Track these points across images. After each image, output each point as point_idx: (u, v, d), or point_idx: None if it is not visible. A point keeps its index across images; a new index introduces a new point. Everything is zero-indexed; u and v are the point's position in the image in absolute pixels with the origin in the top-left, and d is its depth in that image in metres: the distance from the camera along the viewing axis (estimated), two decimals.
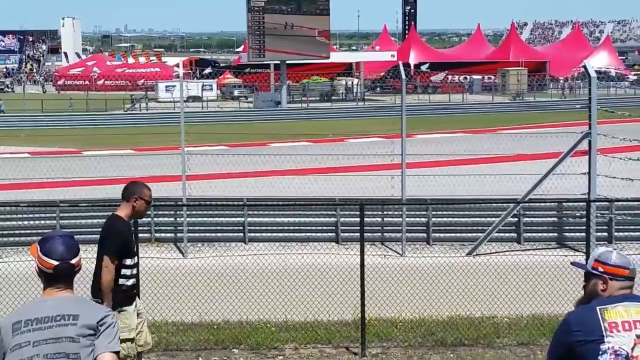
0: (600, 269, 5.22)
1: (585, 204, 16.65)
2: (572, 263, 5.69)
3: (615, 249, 5.65)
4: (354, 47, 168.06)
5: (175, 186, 20.48)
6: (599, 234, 18.59)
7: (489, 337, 11.97)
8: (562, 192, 19.03)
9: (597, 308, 5.06)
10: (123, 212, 8.47)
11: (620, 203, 19.09)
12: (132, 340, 8.35)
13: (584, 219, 16.22)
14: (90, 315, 4.70)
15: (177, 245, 19.27)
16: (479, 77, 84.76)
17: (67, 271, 4.80)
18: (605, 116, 22.21)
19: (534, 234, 19.55)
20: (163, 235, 19.65)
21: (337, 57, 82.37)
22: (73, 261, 4.82)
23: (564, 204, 19.31)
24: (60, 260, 4.79)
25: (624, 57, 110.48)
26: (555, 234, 19.57)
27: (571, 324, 5.05)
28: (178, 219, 19.48)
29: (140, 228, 13.29)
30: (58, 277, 4.82)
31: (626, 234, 19.45)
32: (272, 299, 14.02)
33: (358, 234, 12.13)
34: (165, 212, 19.77)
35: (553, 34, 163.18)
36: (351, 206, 18.83)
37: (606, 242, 18.96)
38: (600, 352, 4.93)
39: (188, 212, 19.02)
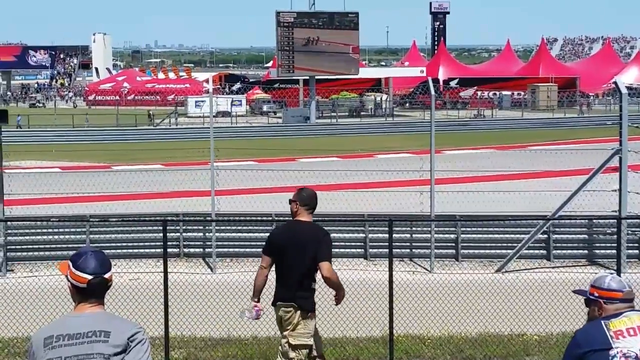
0: (596, 294, 5.57)
1: (615, 221, 16.53)
2: (574, 291, 5.97)
3: (611, 274, 5.91)
4: (383, 63, 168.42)
5: (204, 201, 20.53)
6: (629, 251, 18.47)
7: (518, 355, 11.90)
8: (592, 209, 18.91)
9: (602, 322, 5.40)
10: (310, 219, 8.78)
11: None
12: (310, 347, 8.66)
13: (615, 236, 16.11)
14: (121, 332, 4.73)
15: (206, 261, 19.31)
16: (509, 92, 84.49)
17: (100, 286, 4.83)
18: (636, 132, 22.10)
19: (564, 251, 19.42)
20: (192, 250, 19.70)
21: (366, 72, 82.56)
22: (106, 276, 4.86)
23: (594, 220, 19.18)
24: (94, 274, 4.82)
25: None
26: (586, 251, 19.44)
27: (578, 338, 5.39)
28: (207, 234, 19.52)
29: (169, 243, 13.33)
30: (91, 292, 4.85)
31: None
32: None
33: (387, 250, 12.12)
34: (194, 228, 19.83)
35: (583, 50, 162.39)
36: (380, 222, 18.80)
37: (637, 260, 18.82)
38: (610, 357, 5.23)
39: (217, 228, 19.05)
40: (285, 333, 8.65)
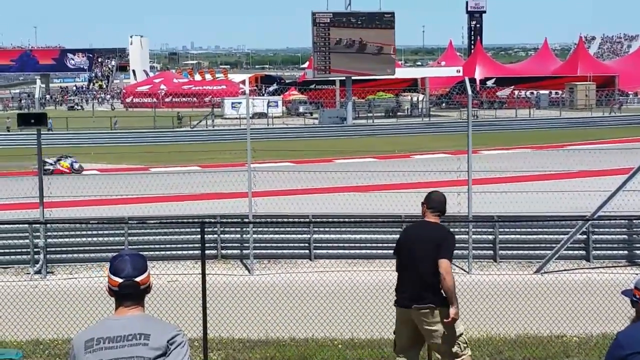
0: (638, 296, 5.49)
1: None
2: (622, 292, 5.82)
3: None
4: (419, 63, 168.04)
5: (241, 203, 20.60)
6: None
7: (558, 356, 11.81)
8: (632, 209, 18.75)
9: None
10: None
11: None
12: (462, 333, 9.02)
13: None
14: (161, 334, 4.75)
15: (243, 262, 19.36)
16: (546, 92, 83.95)
17: (132, 289, 4.87)
18: None
19: (604, 252, 19.22)
20: (229, 252, 19.76)
21: (403, 73, 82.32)
22: (138, 279, 4.88)
23: (634, 221, 18.99)
24: (125, 277, 4.85)
25: None
26: (626, 252, 19.24)
27: (621, 340, 5.27)
28: (244, 235, 19.58)
29: (207, 245, 13.38)
30: (125, 295, 4.89)
31: None
32: (338, 316, 14.00)
33: None
34: (232, 229, 19.88)
35: (622, 48, 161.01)
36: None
37: None
38: None
39: (254, 229, 19.10)
40: (435, 334, 8.87)
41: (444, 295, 8.74)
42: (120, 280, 4.87)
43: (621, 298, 5.83)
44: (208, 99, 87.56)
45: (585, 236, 18.98)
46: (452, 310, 8.70)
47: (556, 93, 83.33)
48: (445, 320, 8.74)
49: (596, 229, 19.10)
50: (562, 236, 18.60)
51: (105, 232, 19.52)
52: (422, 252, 8.78)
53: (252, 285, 15.89)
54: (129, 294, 4.88)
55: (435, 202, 9.11)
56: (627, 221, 19.07)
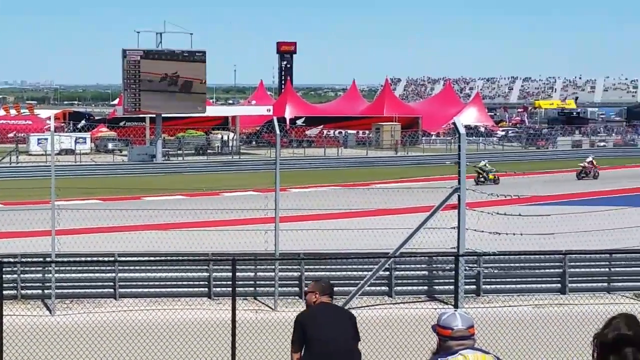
0: (436, 330, 5.86)
1: (454, 257, 16.97)
2: (433, 327, 6.00)
3: (455, 311, 6.03)
4: (230, 101, 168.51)
5: (44, 241, 20.01)
6: (467, 287, 18.94)
7: None
8: (433, 245, 19.40)
9: (439, 359, 5.66)
10: None
11: (488, 257, 19.53)
12: None
13: (454, 272, 16.52)
14: None
15: (45, 302, 18.78)
16: (354, 131, 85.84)
17: None
18: (473, 171, 22.83)
19: (405, 287, 19.78)
20: (30, 292, 19.12)
21: (213, 110, 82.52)
22: None
23: (434, 257, 19.64)
24: None
25: (492, 114, 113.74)
26: (426, 287, 19.86)
27: None
28: (46, 275, 19.01)
29: (5, 285, 12.92)
30: None
31: (494, 286, 19.89)
32: (141, 356, 13.77)
33: (230, 289, 12.07)
34: (33, 269, 19.28)
35: (425, 90, 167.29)
36: (224, 261, 18.73)
37: (474, 295, 19.35)
38: None
39: (57, 268, 18.58)
40: None
41: None
42: None
43: (422, 332, 6.05)
44: (12, 135, 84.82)
45: (388, 272, 19.47)
46: None
47: (363, 133, 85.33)
48: None
49: (398, 266, 19.64)
50: (365, 273, 19.00)
51: None
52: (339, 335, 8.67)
53: (53, 326, 15.42)
54: None
55: (329, 288, 8.95)
56: (427, 258, 19.70)
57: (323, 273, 19.59)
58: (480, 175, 43.22)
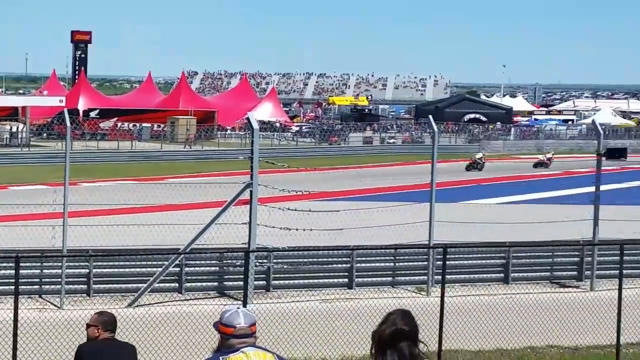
0: (218, 328, 5.88)
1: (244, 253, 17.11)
2: (215, 324, 5.99)
3: (238, 308, 6.06)
4: (21, 91, 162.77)
5: None
6: (257, 282, 19.11)
7: None
8: (224, 241, 19.45)
9: (220, 357, 5.72)
10: None
11: (278, 252, 19.79)
12: None
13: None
14: None
15: None
16: (149, 125, 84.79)
17: None
18: (266, 167, 23.10)
19: (196, 284, 19.76)
20: None
21: (2, 100, 79.69)
22: None
23: (225, 253, 19.71)
24: None
25: (287, 109, 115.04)
26: (216, 283, 19.91)
27: None
28: None
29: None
30: None
31: (284, 282, 20.16)
32: None
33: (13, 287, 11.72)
34: None
35: (222, 84, 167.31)
36: (7, 258, 18.11)
37: (264, 291, 19.56)
38: None
39: None
40: None
41: None
42: None
43: (210, 328, 6.08)
44: None
45: (178, 269, 19.37)
46: None
47: (159, 126, 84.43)
48: None
49: (189, 262, 19.58)
50: (156, 269, 18.86)
51: None
52: None
53: None
54: None
55: (112, 324, 8.30)
56: (218, 254, 19.75)
57: (112, 270, 19.33)
58: (473, 164, 52.01)
